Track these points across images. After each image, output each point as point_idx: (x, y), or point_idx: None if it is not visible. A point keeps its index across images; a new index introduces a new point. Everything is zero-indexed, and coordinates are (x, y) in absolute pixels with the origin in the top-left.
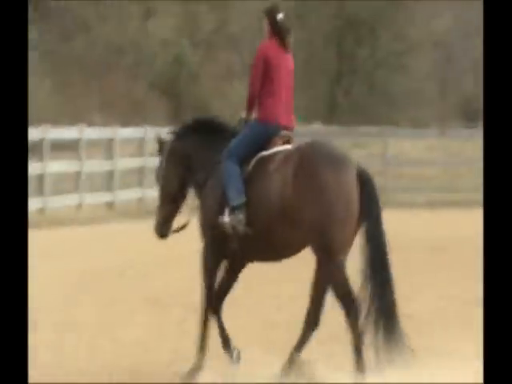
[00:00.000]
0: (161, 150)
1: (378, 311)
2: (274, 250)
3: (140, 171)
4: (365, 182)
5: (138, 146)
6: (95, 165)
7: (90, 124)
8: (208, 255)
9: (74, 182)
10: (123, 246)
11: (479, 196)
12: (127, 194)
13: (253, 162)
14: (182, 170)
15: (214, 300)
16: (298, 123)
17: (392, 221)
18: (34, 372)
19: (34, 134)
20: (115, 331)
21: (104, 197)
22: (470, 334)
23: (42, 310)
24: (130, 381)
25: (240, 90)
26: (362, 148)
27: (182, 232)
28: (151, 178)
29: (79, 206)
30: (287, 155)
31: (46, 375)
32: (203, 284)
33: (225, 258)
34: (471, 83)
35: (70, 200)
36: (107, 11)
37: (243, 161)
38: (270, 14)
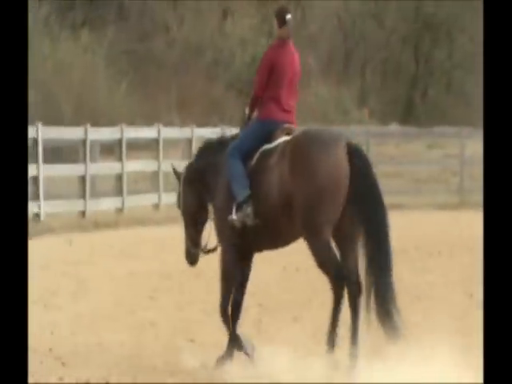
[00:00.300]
0: (179, 180)
1: (375, 293)
2: (281, 238)
3: None
4: (352, 155)
5: None
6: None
7: (168, 124)
8: (228, 258)
9: (151, 182)
10: None
11: None
12: None
13: (256, 155)
14: (198, 188)
15: (228, 301)
16: (374, 124)
17: (468, 221)
18: (109, 370)
19: (111, 133)
20: (192, 331)
21: None
22: None
23: (119, 309)
24: (206, 380)
25: (317, 91)
26: (439, 148)
27: None
28: None
29: (156, 206)
30: (284, 147)
31: (123, 374)
32: (223, 286)
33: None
34: None
35: (147, 200)
36: (185, 12)
37: (247, 156)
38: (280, 14)
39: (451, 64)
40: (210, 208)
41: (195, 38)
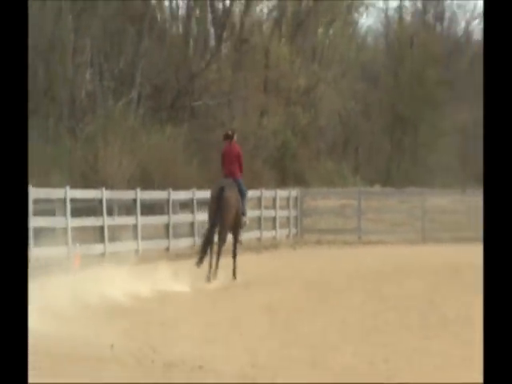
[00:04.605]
0: None
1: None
2: None
3: (258, 219)
4: (219, 194)
5: (256, 202)
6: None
7: None
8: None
9: None
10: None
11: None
12: (251, 235)
13: None
14: None
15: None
16: (364, 186)
17: (428, 252)
18: None
19: (186, 195)
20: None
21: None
22: None
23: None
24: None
25: (325, 165)
26: (408, 203)
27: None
28: (266, 224)
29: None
30: None
31: None
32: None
33: None
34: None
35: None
36: (236, 112)
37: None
38: (225, 133)
39: (416, 145)
40: None
41: (243, 129)
